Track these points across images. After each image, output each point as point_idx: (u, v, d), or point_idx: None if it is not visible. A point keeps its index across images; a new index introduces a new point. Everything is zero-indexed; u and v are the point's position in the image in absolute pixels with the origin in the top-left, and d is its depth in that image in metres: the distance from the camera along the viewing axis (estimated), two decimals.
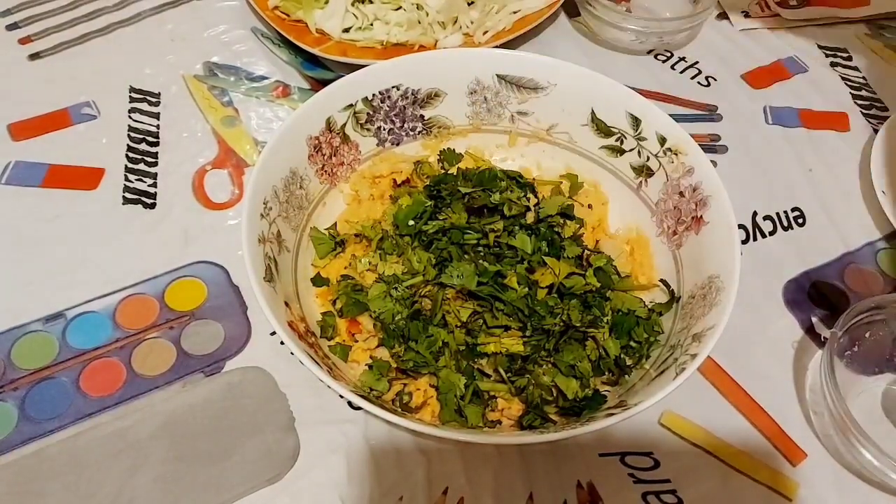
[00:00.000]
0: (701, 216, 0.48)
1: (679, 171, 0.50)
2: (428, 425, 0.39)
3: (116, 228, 0.55)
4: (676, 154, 0.50)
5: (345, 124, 0.52)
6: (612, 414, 0.39)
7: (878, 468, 0.43)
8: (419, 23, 0.64)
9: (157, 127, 0.61)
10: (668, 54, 0.70)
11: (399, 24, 0.63)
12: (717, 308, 0.42)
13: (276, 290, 0.44)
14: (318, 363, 0.40)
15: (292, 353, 0.50)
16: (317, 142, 0.51)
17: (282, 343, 0.49)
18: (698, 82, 0.68)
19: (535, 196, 0.52)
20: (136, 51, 0.67)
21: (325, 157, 0.52)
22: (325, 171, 0.52)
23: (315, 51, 0.62)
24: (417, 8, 0.64)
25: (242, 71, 0.66)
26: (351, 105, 0.52)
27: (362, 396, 0.40)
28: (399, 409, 0.43)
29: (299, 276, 0.49)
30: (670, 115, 0.51)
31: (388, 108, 0.53)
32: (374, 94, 0.53)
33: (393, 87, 0.53)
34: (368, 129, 0.53)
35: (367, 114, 0.53)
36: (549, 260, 0.46)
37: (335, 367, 0.44)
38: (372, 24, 0.64)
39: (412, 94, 0.54)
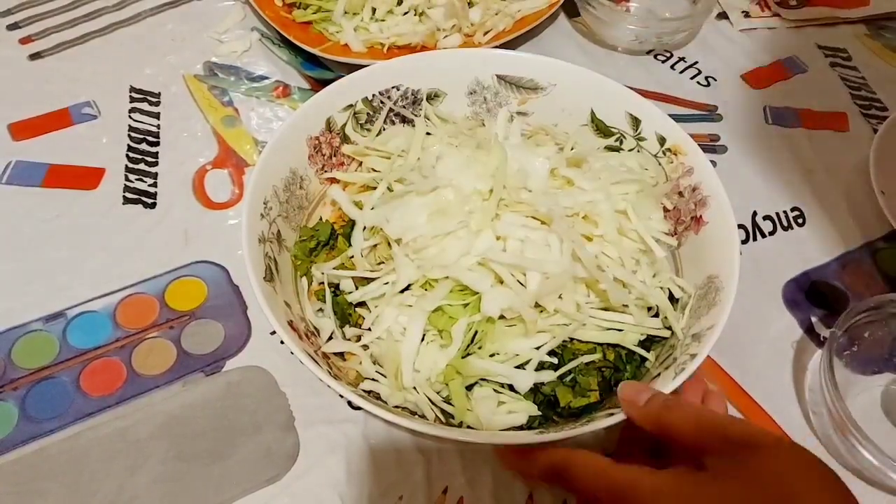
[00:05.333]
0: (700, 216, 0.48)
1: (678, 171, 0.50)
2: (428, 425, 0.39)
3: (116, 228, 0.55)
4: (676, 154, 0.50)
5: (345, 124, 0.52)
6: (612, 414, 0.39)
7: (878, 468, 0.43)
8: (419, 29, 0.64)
9: (158, 127, 0.61)
10: (668, 54, 0.70)
11: (399, 35, 0.63)
12: (717, 308, 0.42)
13: (277, 290, 0.44)
14: (318, 363, 0.40)
15: (292, 353, 0.50)
16: (317, 142, 0.51)
17: (282, 342, 0.50)
18: (698, 82, 0.68)
19: None
20: (136, 51, 0.67)
21: (326, 158, 0.52)
22: (326, 171, 0.52)
23: (315, 51, 0.62)
24: (420, 18, 0.65)
25: (242, 71, 0.66)
26: (351, 105, 0.52)
27: (362, 396, 0.40)
28: (399, 410, 0.43)
29: (299, 275, 0.49)
30: (670, 115, 0.51)
31: (389, 109, 0.53)
32: (374, 95, 0.53)
33: (393, 88, 0.53)
34: (368, 130, 0.53)
35: (367, 114, 0.53)
36: None
37: (335, 367, 0.44)
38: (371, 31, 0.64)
39: (412, 94, 0.54)
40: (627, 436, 0.43)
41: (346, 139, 0.53)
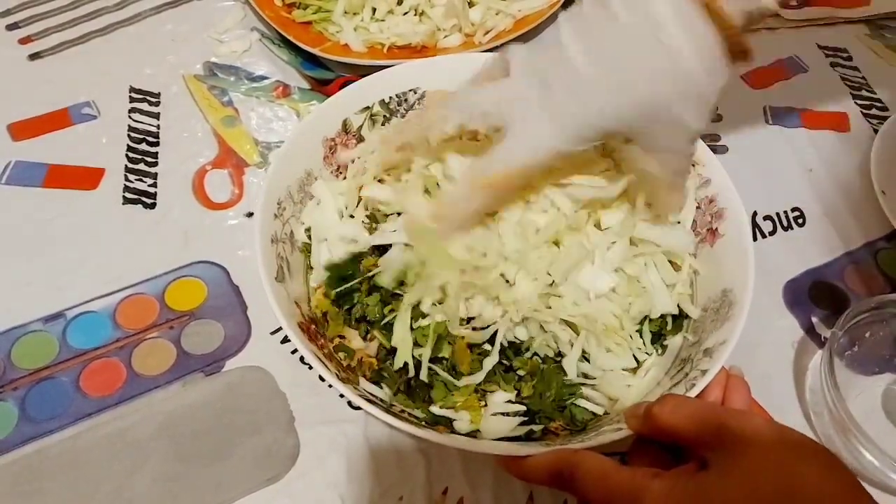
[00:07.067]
0: (716, 228, 0.47)
1: (695, 181, 0.49)
2: (431, 433, 0.39)
3: (116, 228, 0.55)
4: (693, 165, 0.49)
5: (361, 126, 0.52)
6: (620, 429, 0.38)
7: (879, 468, 0.43)
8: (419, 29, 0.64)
9: (157, 127, 0.61)
10: None
11: (400, 35, 0.63)
12: (730, 323, 0.42)
13: (287, 291, 0.44)
14: (326, 365, 0.40)
15: (293, 353, 0.50)
16: (332, 143, 0.51)
17: (282, 342, 0.50)
18: None
19: None
20: (136, 51, 0.67)
21: None
22: (340, 173, 0.52)
23: (315, 51, 0.62)
24: (420, 18, 0.65)
25: (242, 71, 0.66)
26: (368, 107, 0.52)
27: (371, 401, 0.40)
28: (408, 416, 0.43)
29: (311, 276, 0.48)
30: None
31: (404, 111, 0.53)
32: (391, 97, 0.53)
33: (410, 90, 0.53)
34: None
35: (384, 116, 0.53)
36: None
37: (342, 370, 0.44)
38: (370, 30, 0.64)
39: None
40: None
41: (361, 141, 0.52)
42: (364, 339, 0.46)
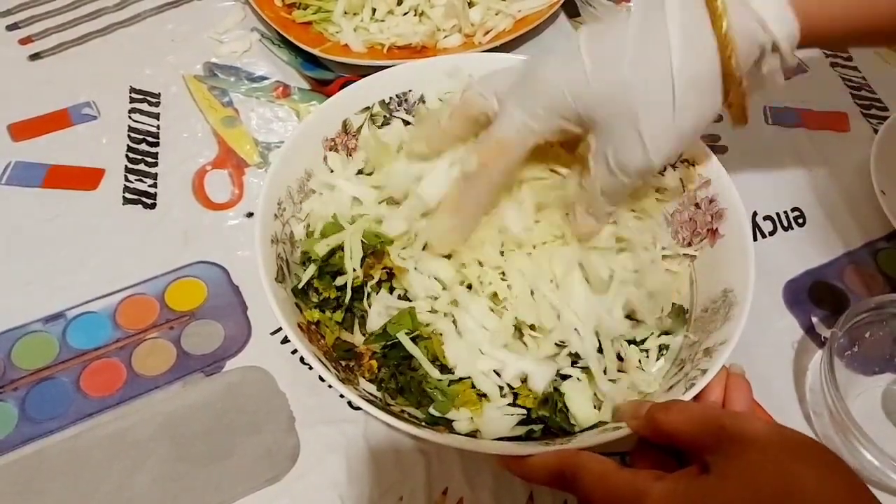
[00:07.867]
0: (716, 229, 0.47)
1: (696, 182, 0.49)
2: (431, 433, 0.39)
3: (116, 228, 0.55)
4: (693, 164, 0.49)
5: (361, 126, 0.52)
6: (619, 428, 0.38)
7: (879, 468, 0.43)
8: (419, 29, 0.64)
9: (157, 127, 0.61)
10: None
11: (399, 35, 0.63)
12: (730, 323, 0.42)
13: (288, 291, 0.44)
14: (326, 366, 0.40)
15: (293, 353, 0.50)
16: (332, 143, 0.51)
17: (282, 343, 0.50)
18: None
19: None
20: (136, 51, 0.67)
21: None
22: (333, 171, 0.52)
23: (315, 51, 0.62)
24: (420, 19, 0.65)
25: (242, 71, 0.66)
26: (367, 108, 0.52)
27: (370, 402, 0.40)
28: (407, 416, 0.43)
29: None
30: None
31: (405, 111, 0.53)
32: (391, 97, 0.53)
33: (410, 91, 0.53)
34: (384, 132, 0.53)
35: (384, 116, 0.53)
36: None
37: (343, 370, 0.44)
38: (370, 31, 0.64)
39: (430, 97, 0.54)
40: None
41: None
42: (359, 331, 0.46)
